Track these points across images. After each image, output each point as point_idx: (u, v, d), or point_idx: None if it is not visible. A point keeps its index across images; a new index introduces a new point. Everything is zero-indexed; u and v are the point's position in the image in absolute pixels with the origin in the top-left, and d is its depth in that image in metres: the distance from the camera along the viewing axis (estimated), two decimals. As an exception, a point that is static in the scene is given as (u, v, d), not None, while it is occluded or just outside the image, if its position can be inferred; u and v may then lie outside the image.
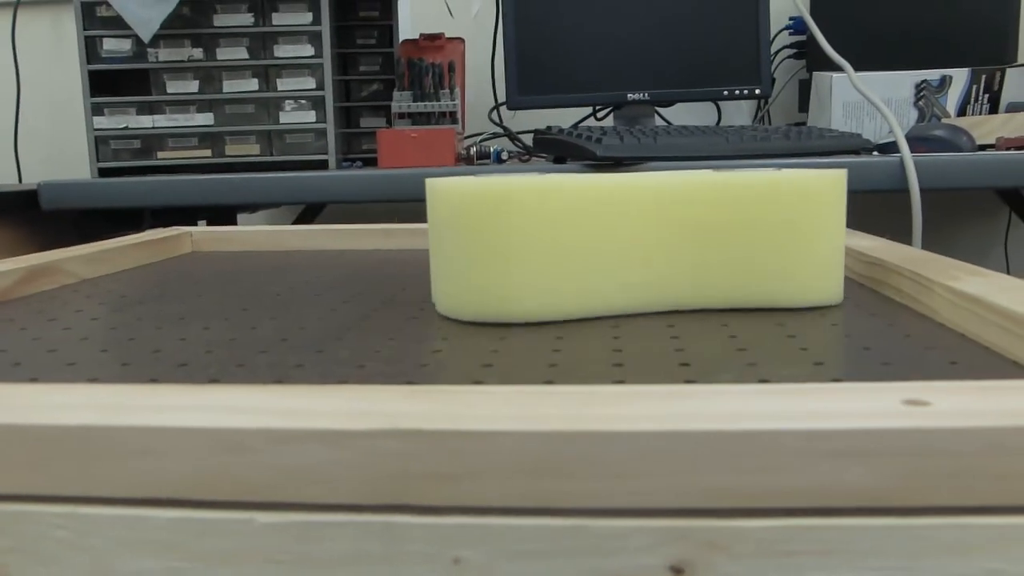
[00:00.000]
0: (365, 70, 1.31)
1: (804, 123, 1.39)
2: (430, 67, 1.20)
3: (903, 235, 1.60)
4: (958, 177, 1.00)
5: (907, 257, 0.47)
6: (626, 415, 0.21)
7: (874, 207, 1.62)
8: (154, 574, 0.22)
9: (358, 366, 0.33)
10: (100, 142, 1.21)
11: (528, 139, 1.61)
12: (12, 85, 1.72)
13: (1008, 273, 1.61)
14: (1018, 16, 1.35)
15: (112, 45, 1.20)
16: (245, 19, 1.20)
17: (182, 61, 1.20)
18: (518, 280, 0.39)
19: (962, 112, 1.26)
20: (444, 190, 0.40)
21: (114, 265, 0.63)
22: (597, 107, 1.48)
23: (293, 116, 1.21)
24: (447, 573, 0.21)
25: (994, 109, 1.26)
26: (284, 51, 1.20)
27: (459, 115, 1.22)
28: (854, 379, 0.30)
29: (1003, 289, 0.36)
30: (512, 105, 1.34)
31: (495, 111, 1.49)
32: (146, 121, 1.21)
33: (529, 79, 1.34)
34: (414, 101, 1.20)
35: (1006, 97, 1.26)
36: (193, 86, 1.21)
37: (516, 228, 0.39)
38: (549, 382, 0.30)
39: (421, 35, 1.38)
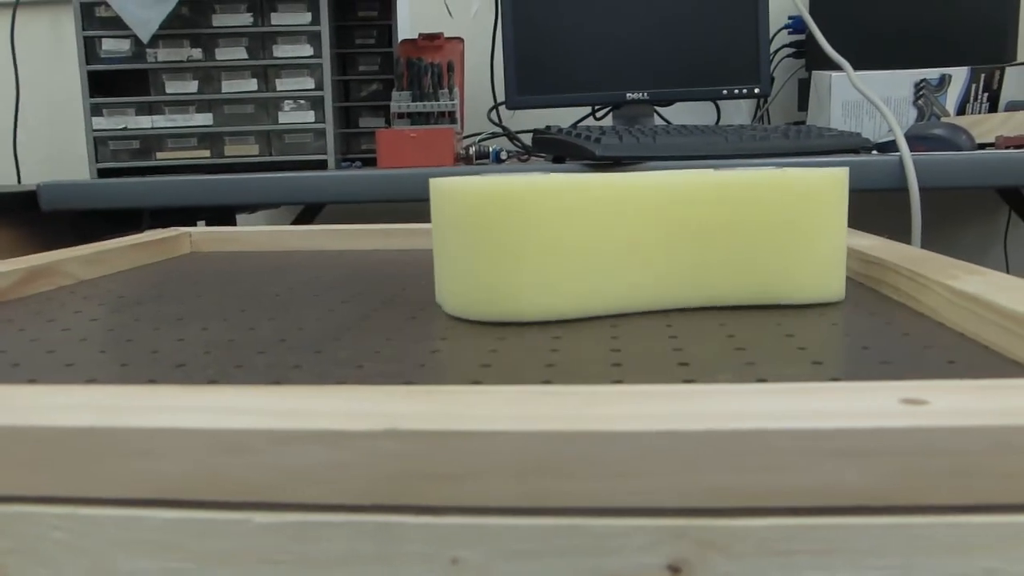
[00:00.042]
0: (364, 70, 1.31)
1: (803, 122, 1.39)
2: (429, 67, 1.20)
3: (902, 234, 1.60)
4: (957, 176, 1.00)
5: (906, 256, 0.47)
6: (624, 415, 0.21)
7: (873, 206, 1.62)
8: (151, 574, 0.22)
9: (357, 366, 0.33)
10: (99, 143, 1.21)
11: (527, 139, 1.61)
12: (11, 86, 1.72)
13: (1008, 272, 1.62)
14: (1017, 15, 1.35)
15: (111, 45, 1.20)
16: (244, 19, 1.20)
17: (181, 61, 1.20)
18: (527, 279, 0.39)
19: (961, 111, 1.26)
20: (451, 190, 0.40)
21: (113, 266, 0.63)
22: (596, 107, 1.48)
23: (292, 116, 1.21)
24: (445, 573, 0.21)
25: (993, 108, 1.26)
26: (283, 51, 1.20)
27: (458, 115, 1.22)
28: (852, 378, 0.30)
29: (1002, 288, 0.36)
30: (511, 105, 1.34)
31: (494, 111, 1.49)
32: (145, 121, 1.21)
33: (528, 79, 1.34)
34: (413, 101, 1.20)
35: (1005, 96, 1.26)
36: (192, 86, 1.21)
37: (524, 227, 0.39)
38: (547, 382, 0.30)
39: (420, 35, 1.38)
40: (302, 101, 1.20)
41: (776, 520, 0.21)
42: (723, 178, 0.41)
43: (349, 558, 0.22)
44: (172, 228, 0.78)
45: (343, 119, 1.30)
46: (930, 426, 0.20)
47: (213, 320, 0.43)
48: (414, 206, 1.69)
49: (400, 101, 1.20)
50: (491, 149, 1.31)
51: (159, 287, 0.55)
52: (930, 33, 1.36)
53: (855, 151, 1.08)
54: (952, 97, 1.25)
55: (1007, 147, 1.10)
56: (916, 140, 1.08)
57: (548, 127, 1.19)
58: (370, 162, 1.30)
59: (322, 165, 1.21)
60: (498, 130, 1.46)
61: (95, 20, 1.20)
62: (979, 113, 1.26)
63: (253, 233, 0.75)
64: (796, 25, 1.46)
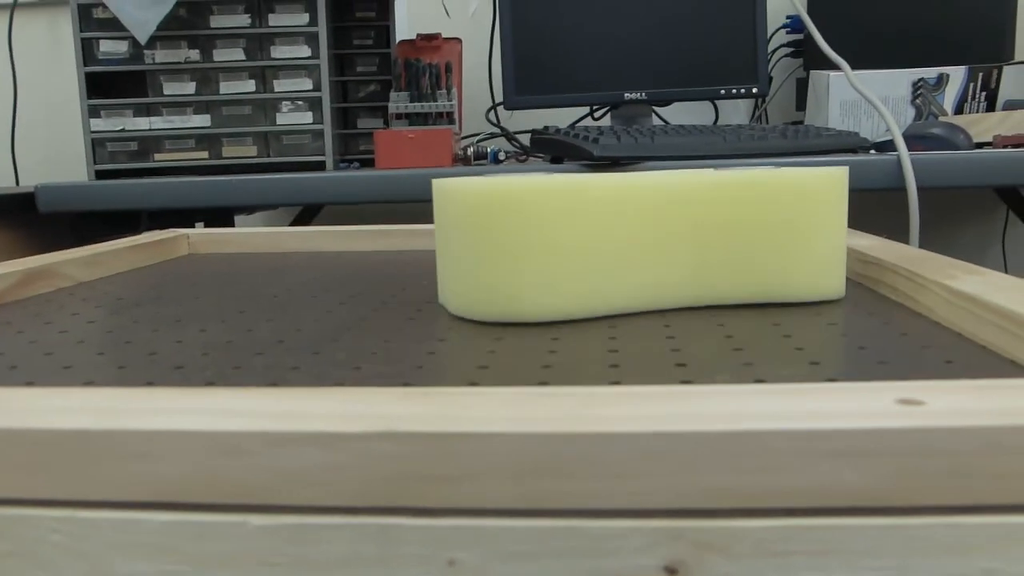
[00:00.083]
0: (362, 71, 1.31)
1: (801, 122, 1.39)
2: (427, 67, 1.20)
3: (900, 234, 1.60)
4: (955, 175, 1.00)
5: (904, 256, 0.47)
6: (621, 416, 0.21)
7: (871, 206, 1.63)
8: (150, 577, 0.22)
9: (354, 368, 0.33)
10: (97, 144, 1.21)
11: (525, 139, 1.61)
12: (9, 87, 1.72)
13: (1006, 271, 1.62)
14: (1015, 14, 1.35)
15: (108, 47, 1.20)
16: (242, 20, 1.20)
17: (179, 63, 1.20)
18: (530, 279, 0.39)
19: (959, 110, 1.26)
20: (454, 190, 0.40)
21: (111, 268, 0.63)
22: (594, 107, 1.48)
23: (290, 117, 1.21)
24: (442, 575, 0.21)
25: (991, 107, 1.26)
26: (281, 52, 1.20)
27: (456, 115, 1.22)
28: (850, 378, 0.30)
29: (999, 288, 0.36)
30: (509, 105, 1.34)
31: (492, 111, 1.49)
32: (143, 123, 1.21)
33: (526, 79, 1.34)
34: (411, 102, 1.20)
35: (1003, 95, 1.26)
36: (190, 88, 1.21)
37: (528, 227, 0.39)
38: (545, 383, 0.30)
39: (418, 35, 1.38)
40: (300, 102, 1.20)
41: (773, 521, 0.21)
42: (725, 178, 0.42)
43: (346, 560, 0.22)
44: (170, 230, 0.77)
45: (341, 120, 1.30)
46: (926, 426, 0.20)
47: (211, 322, 0.43)
48: (412, 207, 1.69)
49: (398, 102, 1.20)
50: (489, 150, 1.31)
51: (157, 289, 0.55)
52: (928, 32, 1.36)
53: (853, 151, 1.08)
54: (950, 96, 1.26)
55: (1005, 146, 1.10)
56: (914, 139, 1.08)
57: (546, 127, 1.19)
58: (368, 163, 1.30)
59: (320, 166, 1.21)
60: (496, 130, 1.46)
61: (92, 21, 1.20)
62: (977, 112, 1.26)
63: (251, 234, 0.75)
64: (794, 25, 1.47)
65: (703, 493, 0.21)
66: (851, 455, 0.20)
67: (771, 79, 1.53)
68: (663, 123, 1.43)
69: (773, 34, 1.52)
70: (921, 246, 1.61)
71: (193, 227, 1.18)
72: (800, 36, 1.47)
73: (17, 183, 1.68)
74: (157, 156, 1.21)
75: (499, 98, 1.59)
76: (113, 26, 1.19)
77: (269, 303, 0.48)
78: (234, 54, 1.20)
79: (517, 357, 0.34)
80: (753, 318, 0.41)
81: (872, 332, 0.37)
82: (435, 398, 0.23)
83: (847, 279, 0.51)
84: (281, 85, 1.20)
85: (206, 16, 1.19)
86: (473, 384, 0.30)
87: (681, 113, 1.60)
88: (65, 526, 0.22)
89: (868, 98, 1.09)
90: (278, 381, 0.31)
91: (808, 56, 1.41)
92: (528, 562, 0.21)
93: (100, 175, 1.21)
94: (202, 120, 1.21)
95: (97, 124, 1.20)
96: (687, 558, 0.21)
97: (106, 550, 0.22)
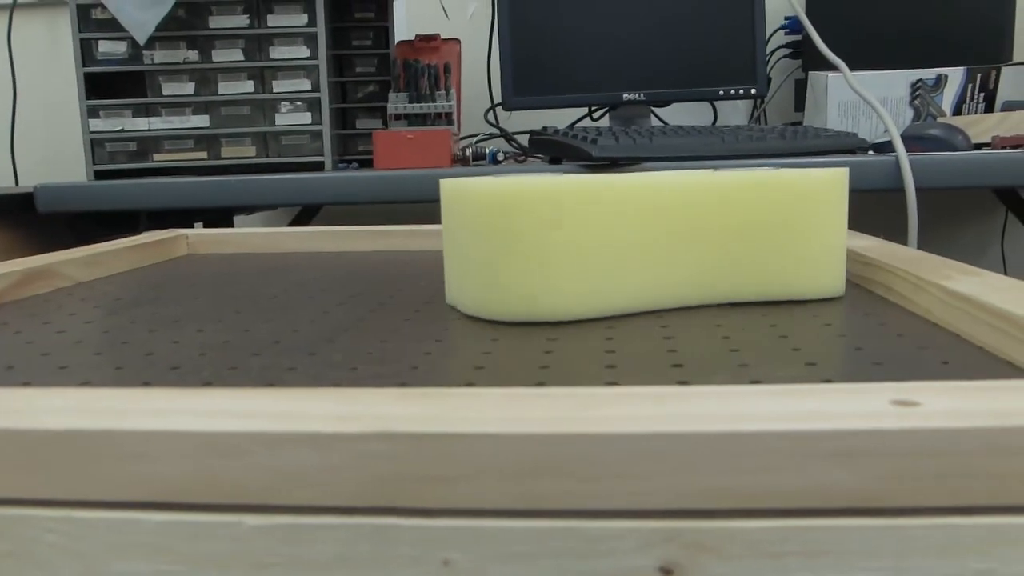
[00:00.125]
0: (361, 71, 1.31)
1: (800, 123, 1.39)
2: (426, 68, 1.20)
3: (899, 235, 1.60)
4: (954, 176, 1.00)
5: (901, 257, 0.47)
6: (617, 417, 0.21)
7: (870, 206, 1.63)
8: (146, 578, 0.22)
9: (350, 368, 0.33)
10: (96, 145, 1.21)
11: (524, 140, 1.61)
12: (8, 88, 1.72)
13: (1005, 272, 1.62)
14: (1013, 15, 1.35)
15: (107, 47, 1.20)
16: (240, 21, 1.20)
17: (178, 63, 1.20)
18: (552, 279, 0.40)
19: (958, 111, 1.26)
20: (471, 191, 0.40)
21: (110, 268, 0.63)
22: (593, 107, 1.48)
23: (289, 118, 1.21)
24: (436, 575, 0.21)
25: (990, 108, 1.26)
26: (280, 53, 1.20)
27: (455, 116, 1.22)
28: (846, 379, 0.30)
29: (996, 289, 0.36)
30: (508, 106, 1.34)
31: (491, 112, 1.49)
32: (142, 123, 1.21)
33: (525, 80, 1.34)
34: (410, 102, 1.20)
35: (1002, 96, 1.26)
36: (189, 88, 1.21)
37: (550, 227, 0.39)
38: (542, 384, 0.30)
39: (417, 36, 1.38)
40: (299, 103, 1.20)
41: (768, 522, 0.21)
42: (730, 178, 0.42)
43: (341, 560, 0.22)
44: (169, 230, 0.78)
45: (340, 120, 1.30)
46: (922, 428, 0.20)
47: (209, 322, 0.43)
48: (411, 207, 1.69)
49: (397, 102, 1.20)
50: (488, 150, 1.31)
51: (156, 289, 0.55)
52: (926, 33, 1.36)
53: (851, 151, 1.08)
54: (948, 97, 1.26)
55: (1003, 147, 1.10)
56: (912, 140, 1.08)
57: (545, 128, 1.19)
58: (367, 163, 1.30)
59: (319, 166, 1.21)
60: (495, 131, 1.46)
61: (91, 22, 1.20)
62: (975, 113, 1.26)
63: (250, 235, 0.75)
64: (792, 26, 1.47)
65: (698, 494, 0.21)
66: (846, 456, 0.20)
67: (770, 80, 1.53)
68: (662, 124, 1.43)
69: (772, 35, 1.53)
70: (920, 247, 1.62)
71: (192, 227, 1.18)
72: (799, 37, 1.47)
73: (16, 183, 1.68)
74: (156, 156, 1.21)
75: (498, 99, 1.59)
76: (112, 27, 1.19)
77: (267, 303, 0.48)
78: (233, 55, 1.20)
79: (514, 358, 0.34)
80: (751, 319, 0.41)
81: (869, 333, 0.37)
82: (431, 399, 0.23)
83: (846, 280, 0.51)
84: (280, 86, 1.20)
85: (205, 17, 1.20)
86: (470, 384, 0.30)
87: (680, 114, 1.60)
88: (61, 526, 0.23)
89: (866, 99, 1.10)
90: (275, 382, 0.31)
91: (807, 57, 1.41)
92: (523, 563, 0.21)
93: (99, 175, 1.21)
94: (201, 120, 1.21)
95: (96, 124, 1.20)
96: (682, 559, 0.21)
97: (102, 550, 0.22)
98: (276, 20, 1.20)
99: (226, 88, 1.21)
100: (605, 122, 1.54)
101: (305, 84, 1.20)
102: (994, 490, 0.21)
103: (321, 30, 1.19)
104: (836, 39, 1.34)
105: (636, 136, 1.08)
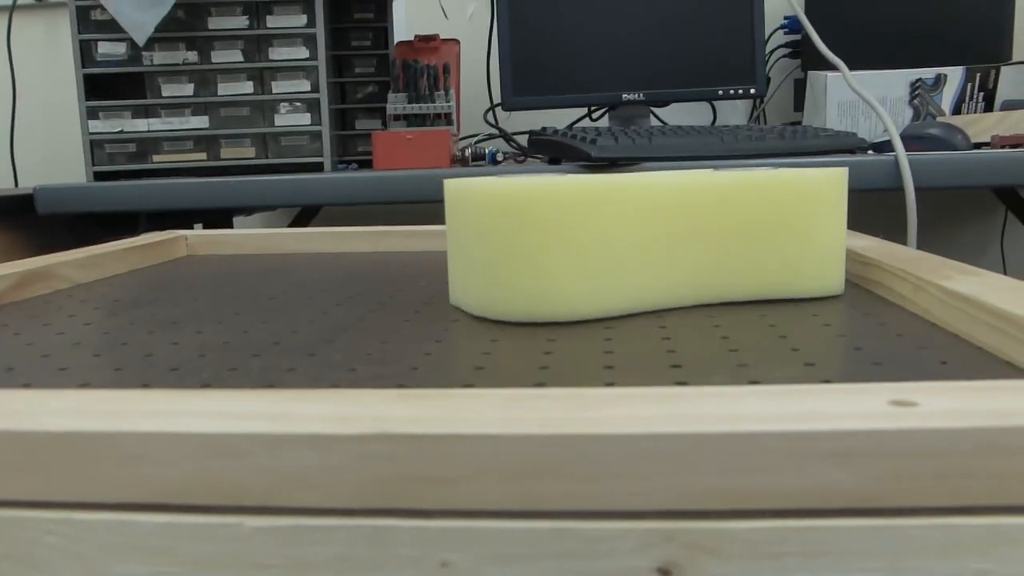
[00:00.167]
0: (360, 72, 1.31)
1: (799, 122, 1.39)
2: (425, 68, 1.20)
3: (898, 234, 1.61)
4: (953, 176, 1.00)
5: (900, 256, 0.47)
6: (615, 418, 0.21)
7: (869, 206, 1.63)
8: (145, 579, 0.22)
9: (350, 369, 0.33)
10: (95, 146, 1.21)
11: (523, 140, 1.62)
12: (8, 89, 1.72)
13: (1005, 272, 1.62)
14: (1012, 14, 1.35)
15: (107, 48, 1.20)
16: (240, 22, 1.20)
17: (177, 64, 1.20)
18: (563, 279, 0.40)
19: (957, 111, 1.26)
20: (478, 191, 0.40)
21: (109, 269, 0.63)
22: (592, 108, 1.48)
23: (288, 119, 1.21)
24: (437, 576, 0.22)
25: (989, 107, 1.26)
26: (279, 54, 1.20)
27: (454, 116, 1.22)
28: (845, 380, 0.30)
29: (995, 289, 0.36)
30: (507, 106, 1.35)
31: (490, 112, 1.49)
32: (141, 124, 1.21)
33: (524, 80, 1.34)
34: (409, 103, 1.20)
35: (1001, 95, 1.26)
36: (188, 89, 1.21)
37: (560, 227, 0.39)
38: (541, 384, 0.30)
39: (416, 37, 1.38)
40: (298, 103, 1.21)
41: (766, 522, 0.21)
42: (729, 178, 0.43)
43: (340, 562, 0.22)
44: (168, 231, 0.78)
45: (339, 121, 1.30)
46: (919, 428, 0.20)
47: (208, 323, 0.43)
48: (411, 208, 1.69)
49: (396, 103, 1.20)
50: (487, 151, 1.31)
51: (155, 290, 0.55)
52: (926, 33, 1.36)
53: (851, 151, 1.08)
54: (948, 97, 1.26)
55: (1003, 146, 1.10)
56: (912, 140, 1.08)
57: (544, 128, 1.19)
58: (366, 164, 1.30)
59: (318, 167, 1.21)
60: (494, 131, 1.46)
61: (91, 23, 1.20)
62: (975, 113, 1.26)
63: (249, 236, 0.75)
64: (792, 25, 1.47)
65: (697, 494, 0.21)
66: (844, 456, 0.20)
67: (769, 80, 1.53)
68: (661, 124, 1.43)
69: (771, 35, 1.53)
70: (919, 247, 1.62)
71: (191, 228, 1.18)
72: (798, 37, 1.47)
73: (16, 184, 1.68)
74: (155, 157, 1.21)
75: (497, 99, 1.59)
76: (111, 28, 1.19)
77: (267, 304, 0.48)
78: (232, 55, 1.20)
79: (513, 358, 0.34)
80: (749, 319, 0.41)
81: (868, 333, 0.37)
82: (430, 400, 0.23)
83: (845, 280, 0.51)
84: (279, 86, 1.20)
85: (204, 18, 1.20)
86: (469, 385, 0.30)
87: (679, 114, 1.60)
88: (61, 528, 0.23)
89: (866, 99, 1.10)
90: (274, 383, 0.31)
91: (806, 57, 1.41)
92: (521, 564, 0.21)
93: (98, 176, 1.21)
94: (200, 121, 1.21)
95: (95, 126, 1.20)
96: (680, 559, 0.21)
97: (101, 552, 0.22)
98: (275, 21, 1.20)
99: (225, 89, 1.21)
100: (604, 122, 1.54)
101: (304, 85, 1.20)
102: (993, 490, 0.21)
103: (320, 31, 1.19)
104: (835, 39, 1.34)
105: (635, 136, 1.08)
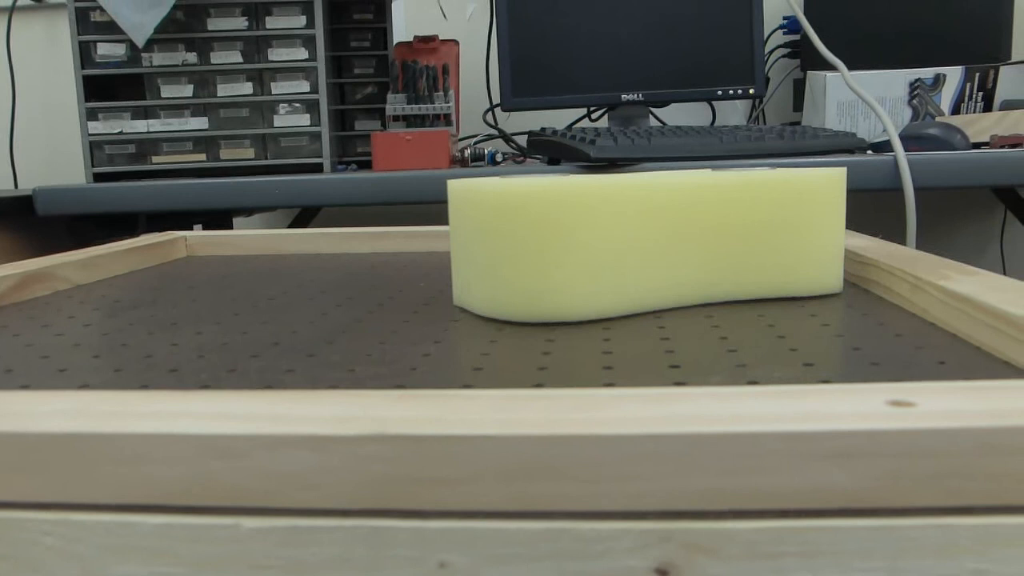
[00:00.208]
0: (359, 73, 1.31)
1: (799, 122, 1.39)
2: (424, 69, 1.20)
3: (897, 234, 1.61)
4: (953, 176, 1.00)
5: (899, 256, 0.47)
6: (614, 418, 0.21)
7: (869, 206, 1.63)
8: (144, 580, 0.22)
9: (349, 370, 0.33)
10: (95, 147, 1.21)
11: (522, 140, 1.62)
12: (7, 90, 1.72)
13: (1004, 272, 1.62)
14: (1011, 14, 1.35)
15: (106, 50, 1.20)
16: (239, 23, 1.20)
17: (176, 65, 1.20)
18: (572, 279, 0.40)
19: (956, 110, 1.26)
20: (485, 191, 0.40)
21: (108, 270, 0.63)
22: (591, 108, 1.48)
23: (287, 119, 1.21)
24: (436, 577, 0.22)
25: (988, 107, 1.26)
26: (278, 54, 1.20)
27: (453, 117, 1.23)
28: (843, 380, 0.30)
29: (994, 289, 0.36)
30: (506, 107, 1.35)
31: (489, 113, 1.49)
32: (141, 126, 1.21)
33: (523, 81, 1.34)
34: (408, 103, 1.20)
35: (1000, 95, 1.26)
36: (187, 90, 1.21)
37: (566, 227, 0.39)
38: (540, 385, 0.30)
39: (415, 37, 1.38)
40: (297, 104, 1.21)
41: (763, 523, 0.21)
42: (729, 178, 0.43)
43: (338, 563, 0.22)
44: (168, 232, 0.78)
45: (338, 122, 1.30)
46: (917, 428, 0.20)
47: (207, 324, 0.43)
48: (410, 209, 1.69)
49: (395, 104, 1.20)
50: (486, 151, 1.31)
51: (154, 291, 0.55)
52: (925, 32, 1.36)
53: (850, 151, 1.08)
54: (947, 96, 1.26)
55: (1002, 146, 1.10)
56: (911, 140, 1.08)
57: (543, 129, 1.19)
58: (366, 165, 1.30)
59: (318, 168, 1.21)
60: (493, 132, 1.46)
61: (90, 24, 1.20)
62: (974, 112, 1.26)
63: (249, 237, 0.75)
64: (791, 25, 1.47)
65: (695, 494, 0.21)
66: (843, 456, 0.20)
67: (768, 80, 1.53)
68: (660, 124, 1.43)
69: (770, 35, 1.53)
70: (918, 247, 1.62)
71: (191, 229, 1.18)
72: (797, 37, 1.47)
73: (16, 186, 1.68)
74: (155, 159, 1.21)
75: (496, 100, 1.59)
76: (111, 29, 1.19)
77: (266, 305, 0.48)
78: (231, 56, 1.20)
79: (512, 359, 0.34)
80: (748, 319, 0.41)
81: (866, 333, 0.37)
82: (429, 401, 0.23)
83: (844, 280, 0.51)
84: (278, 87, 1.21)
85: (203, 19, 1.20)
86: (467, 386, 0.30)
87: (678, 114, 1.60)
88: (59, 529, 0.23)
89: (865, 99, 1.10)
90: (273, 384, 0.31)
91: (805, 57, 1.41)
92: (518, 564, 0.21)
93: (98, 178, 1.21)
94: (200, 122, 1.21)
95: (95, 127, 1.20)
96: (678, 560, 0.21)
97: (99, 553, 0.22)
98: (274, 22, 1.20)
99: (225, 90, 1.21)
100: (604, 123, 1.54)
101: (304, 86, 1.20)
102: (991, 490, 0.21)
103: (319, 32, 1.19)
104: (834, 39, 1.34)
105: (634, 136, 1.08)
